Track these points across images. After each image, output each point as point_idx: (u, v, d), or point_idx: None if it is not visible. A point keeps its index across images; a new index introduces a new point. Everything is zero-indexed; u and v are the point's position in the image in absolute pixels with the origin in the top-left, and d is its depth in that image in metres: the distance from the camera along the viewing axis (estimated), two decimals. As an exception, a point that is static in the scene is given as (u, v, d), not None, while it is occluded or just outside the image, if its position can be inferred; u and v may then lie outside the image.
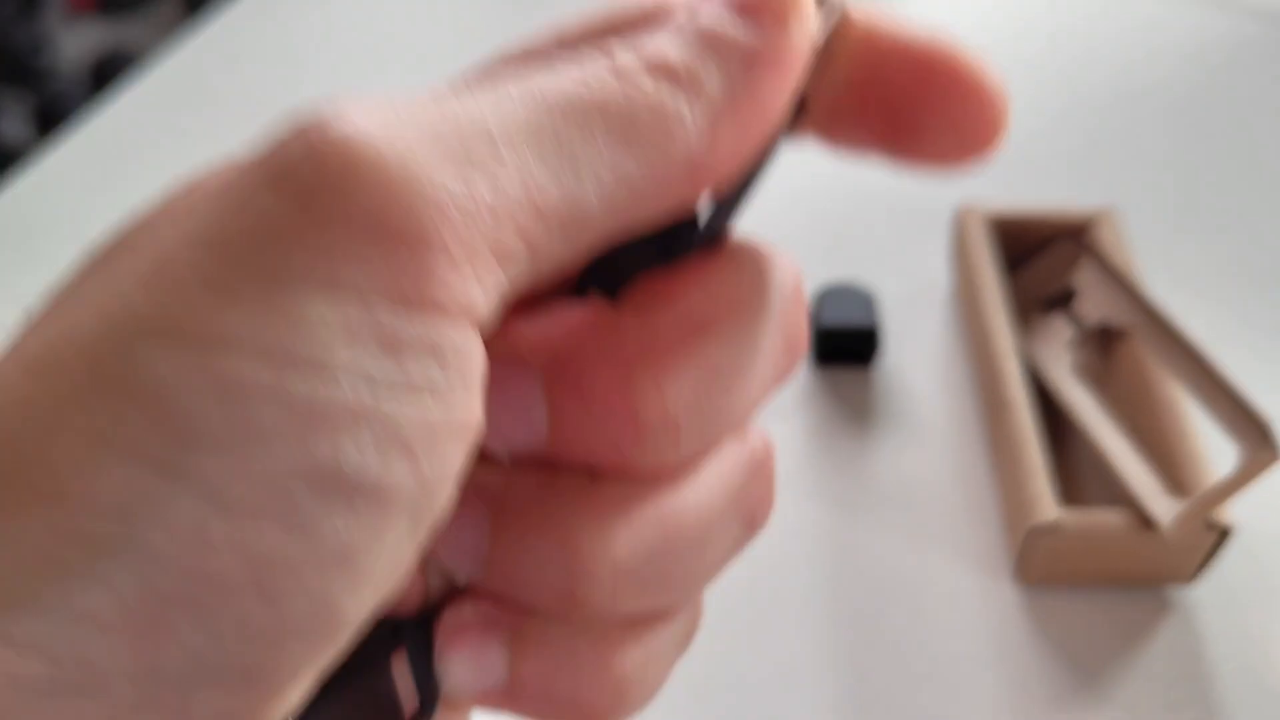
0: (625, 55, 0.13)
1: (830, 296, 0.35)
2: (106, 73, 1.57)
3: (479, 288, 0.12)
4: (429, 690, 0.16)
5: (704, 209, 0.15)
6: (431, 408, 0.12)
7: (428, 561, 0.16)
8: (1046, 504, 0.29)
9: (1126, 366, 0.34)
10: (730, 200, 0.15)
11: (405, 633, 0.16)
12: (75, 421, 0.11)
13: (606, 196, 0.13)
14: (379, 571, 0.12)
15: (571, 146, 0.12)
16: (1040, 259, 0.37)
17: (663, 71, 0.13)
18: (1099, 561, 0.30)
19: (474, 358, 0.12)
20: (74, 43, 1.75)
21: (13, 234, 0.41)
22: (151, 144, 0.47)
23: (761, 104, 0.14)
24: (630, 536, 0.15)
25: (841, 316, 0.35)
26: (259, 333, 0.11)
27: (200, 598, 0.11)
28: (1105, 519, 0.29)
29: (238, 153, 0.13)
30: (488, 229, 0.12)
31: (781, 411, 0.35)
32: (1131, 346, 0.34)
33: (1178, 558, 0.30)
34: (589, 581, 0.14)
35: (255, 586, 0.11)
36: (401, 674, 0.16)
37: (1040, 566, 0.30)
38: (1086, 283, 0.35)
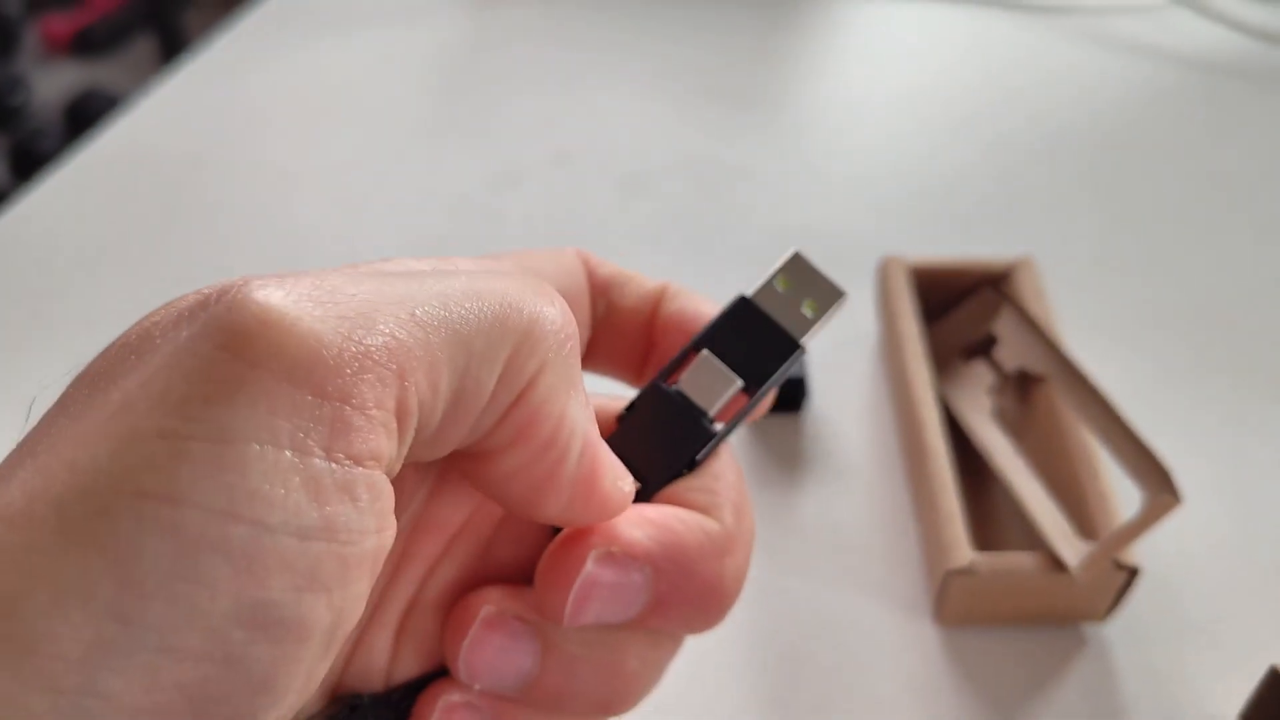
0: None
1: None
2: (81, 113, 1.58)
3: (387, 440, 0.14)
4: None
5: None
6: (346, 546, 0.14)
7: (400, 644, 0.19)
8: (962, 548, 0.31)
9: (1043, 412, 0.35)
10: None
11: (368, 711, 0.18)
12: (45, 573, 0.12)
13: (486, 399, 0.16)
14: (296, 688, 0.14)
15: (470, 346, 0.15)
16: (962, 307, 0.38)
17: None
18: (1014, 602, 0.31)
19: (384, 496, 0.14)
20: (49, 83, 1.76)
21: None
22: (126, 190, 0.48)
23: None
24: (663, 666, 0.20)
25: (771, 366, 0.36)
26: (210, 491, 0.12)
27: None
28: (1018, 561, 0.31)
29: (178, 293, 0.15)
30: (395, 389, 0.14)
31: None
32: (1048, 392, 0.35)
33: (1089, 597, 0.31)
34: (622, 704, 0.19)
35: (191, 715, 0.13)
36: None
37: (958, 608, 0.31)
38: (1005, 331, 0.36)
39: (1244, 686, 0.29)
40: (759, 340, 0.21)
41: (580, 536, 0.19)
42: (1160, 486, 0.29)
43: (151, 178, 0.49)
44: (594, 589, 0.18)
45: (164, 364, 0.13)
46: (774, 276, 0.21)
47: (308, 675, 0.14)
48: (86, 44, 1.85)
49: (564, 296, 0.18)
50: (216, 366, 0.13)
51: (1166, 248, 0.45)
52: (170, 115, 0.53)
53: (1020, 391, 0.37)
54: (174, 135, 0.51)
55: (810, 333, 0.21)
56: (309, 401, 0.13)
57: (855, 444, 0.37)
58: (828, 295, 0.21)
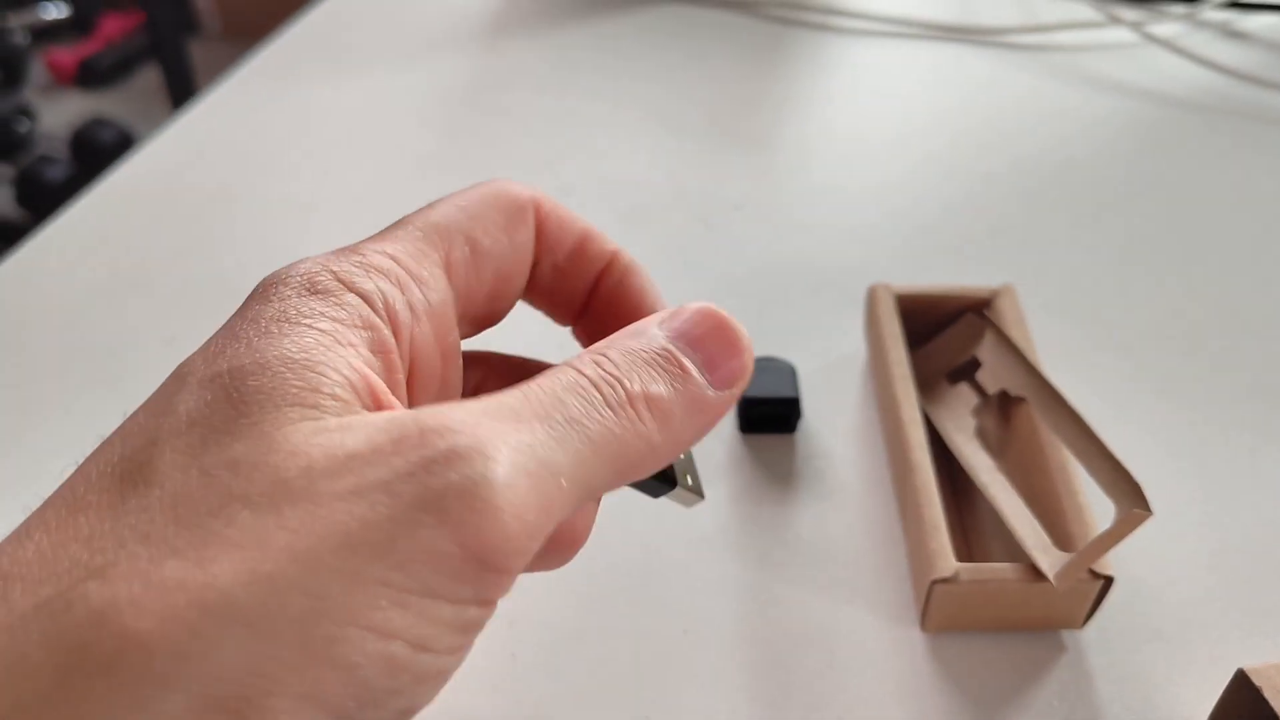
0: (634, 386, 0.20)
1: (755, 369, 0.39)
2: (86, 142, 1.61)
3: (510, 585, 0.18)
4: None
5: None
6: (455, 664, 0.18)
7: None
8: (946, 558, 0.32)
9: (1023, 431, 0.37)
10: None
11: None
12: (289, 683, 0.15)
13: (595, 490, 0.19)
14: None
15: (591, 470, 0.19)
16: (947, 333, 0.40)
17: (657, 410, 0.20)
18: (996, 610, 0.33)
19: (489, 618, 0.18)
20: (54, 113, 1.78)
21: (-2, 318, 0.44)
22: (142, 225, 0.50)
23: (703, 430, 0.21)
24: None
25: (765, 388, 0.38)
26: (413, 629, 0.16)
27: None
28: (999, 571, 0.32)
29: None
30: (530, 550, 0.18)
31: (709, 476, 0.38)
32: (1028, 412, 0.37)
33: (1068, 605, 0.33)
34: None
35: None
36: None
37: (942, 615, 0.33)
38: (988, 355, 0.38)
39: (1214, 689, 0.30)
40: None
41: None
42: (1132, 500, 0.31)
43: (168, 212, 0.51)
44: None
45: (387, 524, 0.16)
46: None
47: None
48: (91, 75, 1.88)
49: (492, 243, 0.22)
50: (454, 568, 0.16)
51: (1140, 277, 0.47)
52: (186, 151, 0.55)
53: (1002, 412, 0.39)
54: (190, 170, 0.53)
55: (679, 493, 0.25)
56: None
57: (845, 462, 0.38)
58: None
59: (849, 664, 0.33)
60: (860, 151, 0.55)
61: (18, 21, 1.84)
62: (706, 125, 0.57)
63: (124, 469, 0.17)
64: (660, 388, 0.20)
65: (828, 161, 0.54)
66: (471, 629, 0.17)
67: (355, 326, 0.19)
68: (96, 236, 0.49)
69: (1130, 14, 0.64)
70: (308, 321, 0.19)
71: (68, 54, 1.91)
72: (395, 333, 0.20)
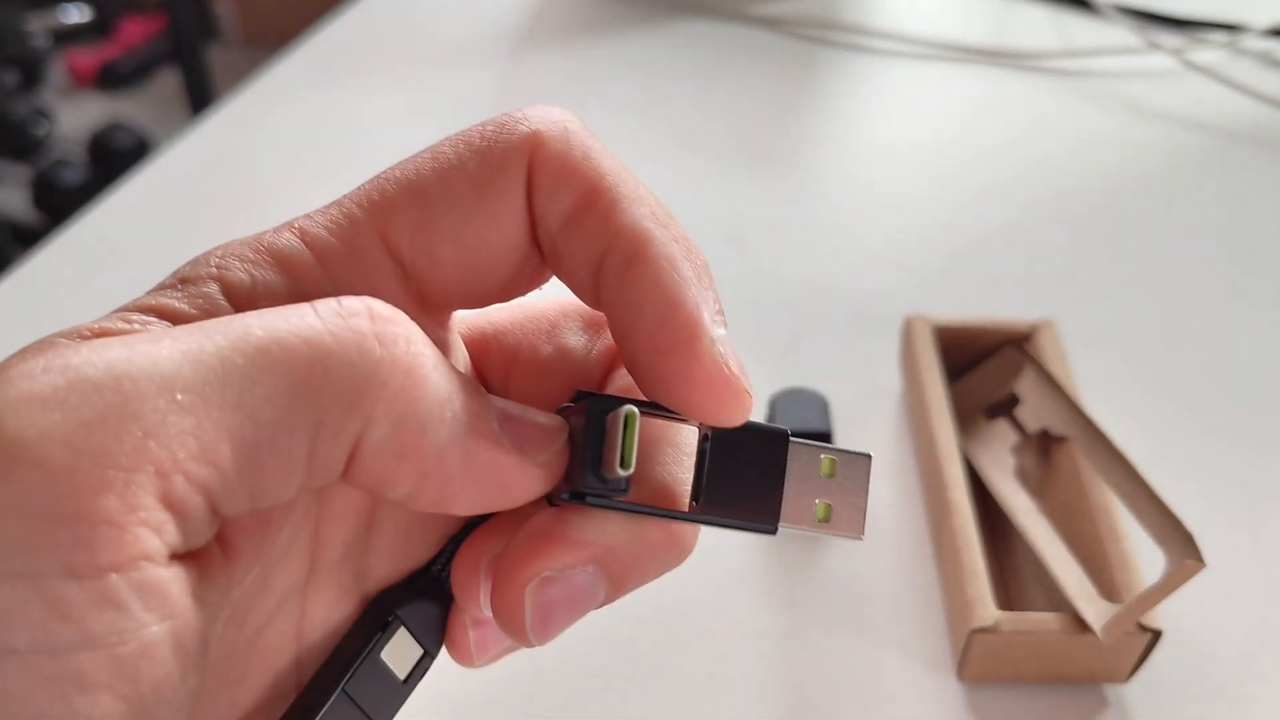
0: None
1: (785, 400, 0.37)
2: (104, 145, 1.61)
3: (153, 537, 0.14)
4: (435, 640, 0.19)
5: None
6: (117, 647, 0.14)
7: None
8: (986, 606, 0.31)
9: (1065, 472, 0.36)
10: None
11: (413, 593, 0.19)
12: None
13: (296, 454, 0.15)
14: None
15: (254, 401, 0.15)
16: (985, 366, 0.39)
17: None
18: (1037, 662, 0.32)
19: (162, 588, 0.14)
20: (73, 116, 1.79)
21: (13, 318, 0.43)
22: (157, 232, 0.49)
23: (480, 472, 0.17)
24: None
25: (796, 420, 0.37)
26: None
27: None
28: (1042, 622, 0.31)
29: None
30: (153, 487, 0.14)
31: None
32: (1070, 452, 0.36)
33: (1113, 658, 0.31)
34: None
35: None
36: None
37: (981, 666, 0.32)
38: (1027, 391, 0.37)
39: (1266, 752, 0.29)
40: (750, 481, 0.18)
41: (510, 569, 0.17)
42: (1184, 550, 0.29)
43: (185, 220, 0.50)
44: (548, 611, 0.17)
45: None
46: (831, 451, 0.18)
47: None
48: (111, 78, 1.89)
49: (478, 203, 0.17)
50: None
51: (1186, 312, 0.46)
52: (204, 159, 0.54)
53: (1042, 451, 0.37)
54: (208, 179, 0.53)
55: (795, 529, 0.18)
56: (41, 530, 0.13)
57: (879, 499, 0.37)
58: (848, 521, 0.18)
59: (882, 714, 0.31)
60: (894, 175, 0.54)
61: (39, 24, 1.85)
62: (736, 145, 0.55)
63: None
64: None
65: (860, 185, 0.53)
66: (88, 606, 0.14)
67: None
68: (113, 243, 0.48)
69: (1170, 41, 0.63)
70: (135, 319, 0.16)
71: (88, 57, 1.91)
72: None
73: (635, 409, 0.17)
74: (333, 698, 0.18)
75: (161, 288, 0.18)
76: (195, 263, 0.18)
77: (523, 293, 0.19)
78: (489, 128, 0.19)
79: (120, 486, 0.14)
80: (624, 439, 0.17)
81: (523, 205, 0.18)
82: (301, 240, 0.18)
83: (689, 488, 0.18)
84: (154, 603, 0.14)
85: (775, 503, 0.18)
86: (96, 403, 0.14)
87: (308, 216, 0.18)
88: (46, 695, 0.13)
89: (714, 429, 0.18)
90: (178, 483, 0.14)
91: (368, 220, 0.18)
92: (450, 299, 0.19)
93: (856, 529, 0.18)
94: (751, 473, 0.18)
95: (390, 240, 0.18)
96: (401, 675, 0.19)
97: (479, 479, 0.16)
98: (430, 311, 0.19)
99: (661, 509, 0.18)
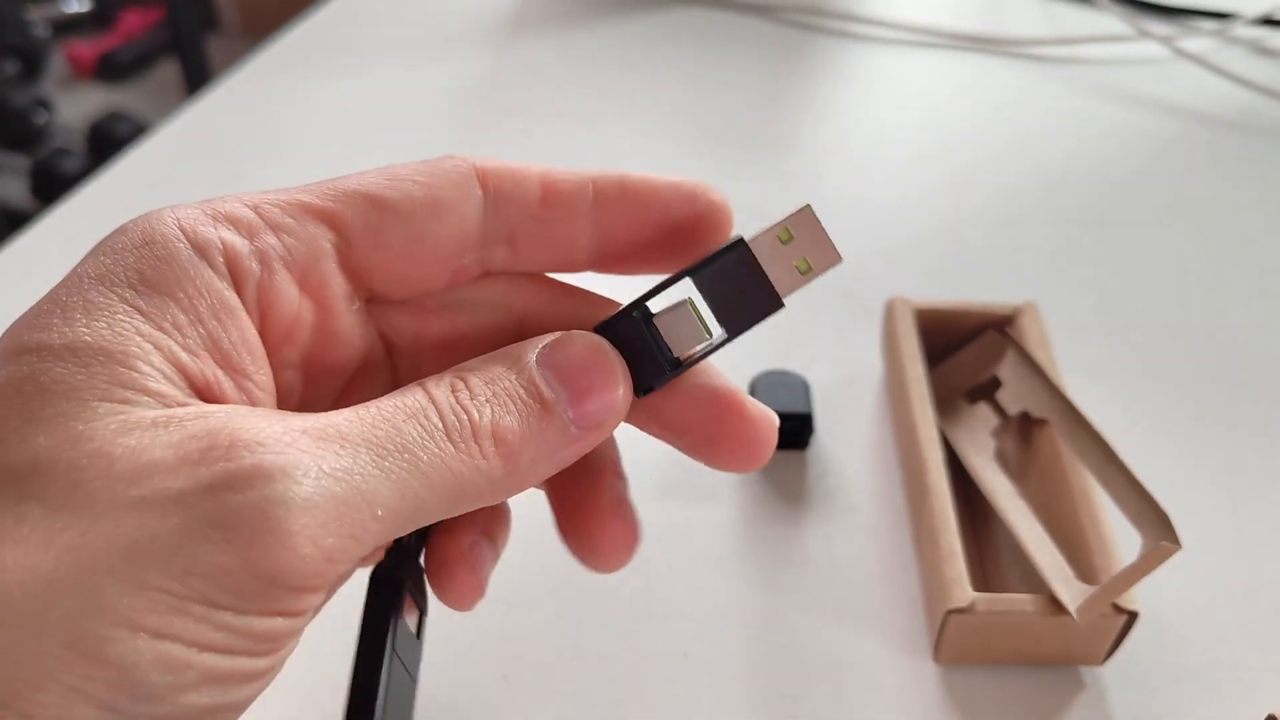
0: (483, 419, 0.19)
1: (766, 383, 0.37)
2: (103, 135, 1.61)
3: (317, 599, 0.18)
4: (424, 600, 0.23)
5: None
6: (274, 658, 0.18)
7: None
8: (962, 587, 0.31)
9: (1045, 455, 0.36)
10: None
11: (401, 563, 0.23)
12: (57, 678, 0.15)
13: (423, 520, 0.19)
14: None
15: (418, 502, 0.18)
16: (967, 350, 0.39)
17: (504, 446, 0.19)
18: (1014, 643, 0.32)
19: (301, 626, 0.18)
20: (72, 106, 1.79)
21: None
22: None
23: (558, 465, 0.20)
24: None
25: (777, 402, 0.37)
26: (192, 632, 0.16)
27: None
28: (1018, 603, 0.31)
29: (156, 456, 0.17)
30: (334, 572, 0.17)
31: (719, 492, 0.36)
32: (1050, 435, 0.36)
33: (1089, 640, 0.31)
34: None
35: None
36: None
37: (957, 647, 0.32)
38: (1009, 374, 0.37)
39: (1240, 734, 0.29)
40: (744, 287, 0.21)
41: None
42: (1160, 532, 0.30)
43: (176, 200, 0.50)
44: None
45: (175, 535, 0.16)
46: (778, 227, 0.22)
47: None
48: (110, 69, 1.88)
49: (439, 219, 0.21)
50: (238, 584, 0.16)
51: (1169, 297, 0.46)
52: (197, 139, 0.54)
53: (1022, 434, 0.37)
54: (200, 159, 0.53)
55: (795, 291, 0.22)
56: (261, 591, 0.17)
57: (858, 482, 0.37)
58: (824, 257, 0.22)
59: (857, 695, 0.31)
60: (881, 161, 0.54)
61: (39, 14, 1.85)
62: (725, 130, 0.55)
63: None
64: (512, 421, 0.19)
65: (847, 170, 0.53)
66: (277, 635, 0.17)
67: (183, 296, 0.19)
68: (104, 222, 0.48)
69: (1160, 29, 0.63)
70: (130, 295, 0.18)
71: (87, 47, 1.91)
72: (237, 284, 0.19)
73: (689, 297, 0.21)
74: (386, 660, 0.21)
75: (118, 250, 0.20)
76: (151, 218, 0.20)
77: (453, 288, 0.23)
78: (430, 160, 0.22)
79: (332, 563, 0.17)
80: (697, 315, 0.21)
81: (477, 208, 0.22)
82: (255, 211, 0.20)
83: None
84: (286, 643, 0.18)
85: (769, 287, 0.21)
86: (325, 475, 0.17)
87: (261, 193, 0.21)
88: (233, 691, 0.17)
89: (692, 275, 0.21)
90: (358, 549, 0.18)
91: (319, 205, 0.21)
92: (390, 287, 0.22)
93: (832, 256, 0.22)
94: (738, 282, 0.21)
95: (339, 225, 0.21)
96: (414, 632, 0.23)
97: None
98: (362, 298, 0.22)
99: (703, 350, 0.22)
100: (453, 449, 0.18)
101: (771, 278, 0.21)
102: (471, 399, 0.19)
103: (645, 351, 0.21)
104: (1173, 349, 0.43)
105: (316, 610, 0.18)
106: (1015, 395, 0.36)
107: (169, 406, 0.18)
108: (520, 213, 0.22)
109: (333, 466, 0.17)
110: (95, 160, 1.56)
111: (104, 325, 0.18)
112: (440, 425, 0.18)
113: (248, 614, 0.16)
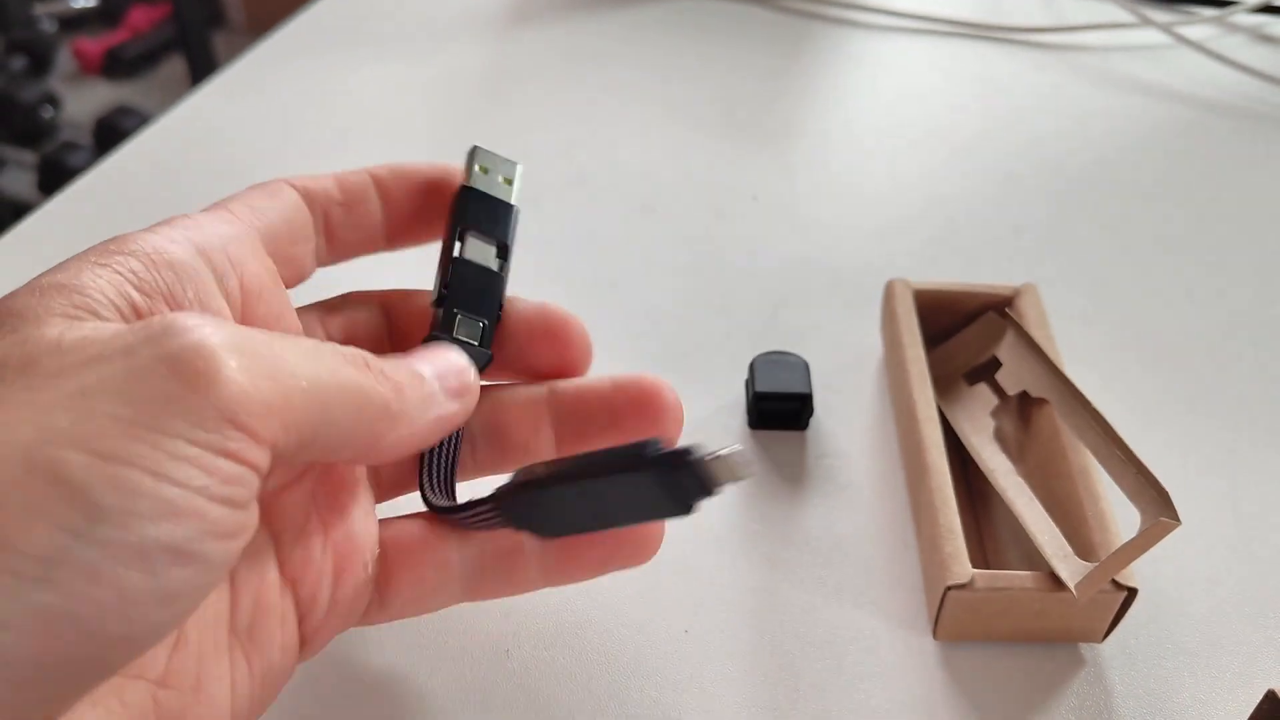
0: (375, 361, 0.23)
1: (766, 363, 0.38)
2: (109, 129, 1.61)
3: (263, 453, 0.19)
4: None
5: None
6: (234, 513, 0.19)
7: None
8: (961, 564, 0.31)
9: (1044, 434, 0.36)
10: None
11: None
12: (13, 499, 0.16)
13: (334, 418, 0.21)
14: (192, 600, 0.18)
15: (330, 395, 0.21)
16: (966, 331, 0.39)
17: (392, 380, 0.23)
18: (1012, 620, 0.32)
19: (254, 484, 0.19)
20: (79, 102, 1.79)
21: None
22: (149, 200, 0.49)
23: (439, 425, 0.24)
24: None
25: (776, 383, 0.37)
26: (145, 458, 0.17)
27: (81, 614, 0.16)
28: (1017, 579, 0.31)
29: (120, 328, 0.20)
30: (272, 425, 0.19)
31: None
32: (1049, 415, 0.36)
33: (1088, 617, 0.31)
34: None
35: (118, 610, 0.17)
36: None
37: (956, 624, 0.32)
38: (1008, 355, 0.37)
39: (1241, 710, 0.29)
40: (491, 211, 0.29)
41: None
42: (1159, 508, 0.30)
43: (177, 188, 0.50)
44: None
45: (122, 374, 0.18)
46: (472, 167, 0.30)
47: (201, 591, 0.18)
48: (117, 64, 1.89)
49: (285, 238, 0.27)
50: (167, 391, 0.18)
51: (1168, 282, 0.46)
52: (198, 129, 0.54)
53: (1021, 414, 0.37)
54: (200, 148, 0.53)
55: (514, 196, 0.30)
56: (217, 425, 0.18)
57: (858, 461, 0.37)
58: (509, 167, 0.30)
59: (857, 671, 0.31)
60: (881, 148, 0.54)
61: (46, 10, 1.86)
62: (724, 118, 0.55)
63: None
64: (400, 372, 0.23)
65: (847, 157, 0.53)
66: (230, 479, 0.18)
67: (144, 255, 0.22)
68: (105, 210, 0.49)
69: (1161, 15, 0.63)
70: (95, 256, 0.21)
71: (94, 43, 1.92)
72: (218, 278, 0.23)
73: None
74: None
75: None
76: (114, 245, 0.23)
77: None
78: (264, 198, 0.29)
79: (261, 411, 0.19)
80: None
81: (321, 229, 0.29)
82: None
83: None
84: (252, 489, 0.19)
85: (502, 203, 0.31)
86: (259, 349, 0.20)
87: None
88: (192, 529, 0.18)
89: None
90: (276, 426, 0.19)
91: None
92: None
93: (512, 162, 0.32)
94: (488, 206, 0.30)
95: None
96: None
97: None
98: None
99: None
100: (355, 371, 0.22)
101: (499, 196, 0.30)
102: (370, 360, 0.23)
103: (482, 279, 0.29)
104: (1171, 332, 0.43)
105: (270, 491, 0.22)
106: (1014, 376, 0.36)
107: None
108: (329, 203, 0.28)
109: (263, 339, 0.20)
110: (102, 155, 1.57)
111: (66, 272, 0.21)
112: (348, 355, 0.22)
113: (198, 445, 0.18)
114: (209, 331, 0.18)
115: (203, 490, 0.18)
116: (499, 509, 0.26)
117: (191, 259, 0.22)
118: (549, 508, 0.26)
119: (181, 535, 0.17)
